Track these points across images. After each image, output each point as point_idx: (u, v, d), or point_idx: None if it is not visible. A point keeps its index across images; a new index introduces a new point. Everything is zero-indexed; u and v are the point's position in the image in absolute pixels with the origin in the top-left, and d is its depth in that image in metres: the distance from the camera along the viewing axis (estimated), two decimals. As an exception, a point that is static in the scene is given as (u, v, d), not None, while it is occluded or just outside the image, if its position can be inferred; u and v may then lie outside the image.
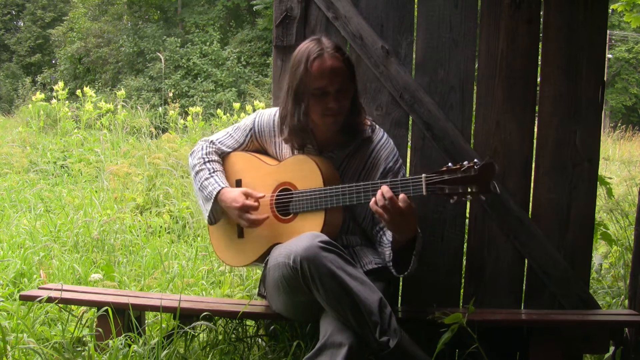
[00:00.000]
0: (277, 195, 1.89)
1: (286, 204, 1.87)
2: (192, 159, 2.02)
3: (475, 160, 1.60)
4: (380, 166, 1.93)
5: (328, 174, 1.84)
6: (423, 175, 1.65)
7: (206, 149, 2.01)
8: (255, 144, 2.02)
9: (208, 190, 1.92)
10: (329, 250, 1.63)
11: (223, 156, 2.04)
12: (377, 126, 2.00)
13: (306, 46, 1.83)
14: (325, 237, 1.67)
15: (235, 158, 2.02)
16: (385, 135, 1.99)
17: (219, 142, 2.03)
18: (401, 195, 1.65)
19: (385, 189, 1.66)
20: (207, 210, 1.93)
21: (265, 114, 2.00)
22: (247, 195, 1.87)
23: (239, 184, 1.99)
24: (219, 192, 1.90)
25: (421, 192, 1.65)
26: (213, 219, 1.96)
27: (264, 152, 2.02)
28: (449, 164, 1.63)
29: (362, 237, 1.97)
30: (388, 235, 1.86)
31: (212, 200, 1.91)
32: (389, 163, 1.93)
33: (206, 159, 1.99)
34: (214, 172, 1.96)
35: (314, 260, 1.61)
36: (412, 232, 1.73)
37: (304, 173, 1.85)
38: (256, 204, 1.86)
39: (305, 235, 1.69)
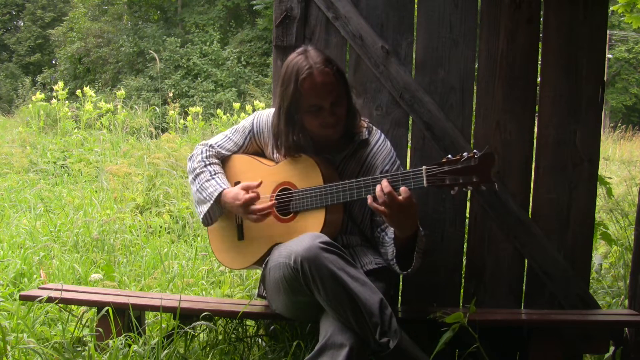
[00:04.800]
0: (276, 195, 1.89)
1: (286, 204, 1.87)
2: (192, 162, 2.00)
3: (475, 150, 1.60)
4: (377, 169, 1.92)
5: (328, 172, 1.84)
6: (423, 167, 1.64)
7: (206, 152, 2.00)
8: (254, 145, 2.01)
9: (208, 191, 1.91)
10: (330, 251, 1.63)
11: (222, 159, 2.03)
12: (374, 128, 1.99)
13: (294, 62, 1.79)
14: (326, 238, 1.67)
15: (234, 161, 2.02)
16: (382, 137, 1.98)
17: (218, 146, 2.02)
18: (402, 188, 1.64)
19: (384, 184, 1.65)
20: (202, 212, 1.92)
21: (263, 114, 2.00)
22: (246, 190, 1.85)
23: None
24: (220, 193, 1.89)
25: (422, 184, 1.64)
26: (209, 220, 1.95)
27: (262, 154, 2.01)
28: (449, 156, 1.63)
29: (362, 237, 1.97)
30: (390, 234, 1.85)
31: (210, 202, 1.89)
32: (385, 166, 1.93)
33: (207, 162, 1.98)
34: (215, 174, 1.95)
35: (314, 261, 1.60)
36: (413, 228, 1.72)
37: (304, 172, 1.84)
38: (255, 194, 1.84)
39: (306, 235, 1.69)
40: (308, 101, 1.78)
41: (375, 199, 1.68)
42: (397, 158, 1.97)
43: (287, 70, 1.80)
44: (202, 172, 1.96)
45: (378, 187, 1.66)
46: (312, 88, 1.76)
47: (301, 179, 1.85)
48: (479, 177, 1.59)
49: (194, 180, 1.97)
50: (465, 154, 1.61)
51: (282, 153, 1.88)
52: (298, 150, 1.85)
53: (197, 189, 1.94)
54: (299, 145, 1.84)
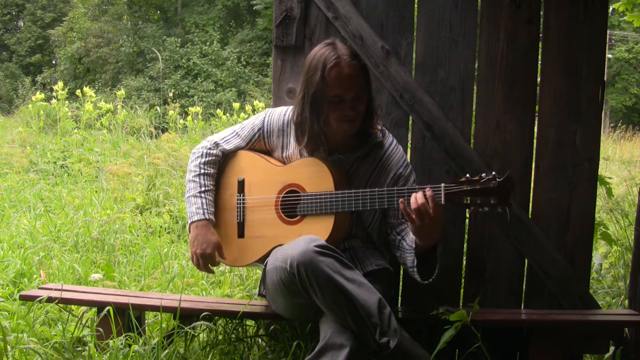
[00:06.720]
0: (283, 196, 1.88)
1: (293, 206, 1.86)
2: (191, 161, 2.00)
3: (494, 172, 1.62)
4: (391, 171, 1.92)
5: (339, 178, 1.83)
6: (442, 184, 1.66)
7: (206, 156, 1.98)
8: (261, 144, 1.99)
9: (191, 210, 1.93)
10: (325, 254, 1.63)
11: (227, 154, 2.01)
12: (387, 131, 1.99)
13: (321, 52, 1.80)
14: (321, 241, 1.66)
15: (240, 156, 2.00)
16: (395, 141, 1.98)
17: (223, 141, 2.01)
18: (429, 192, 1.64)
19: (419, 194, 1.65)
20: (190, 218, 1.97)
21: (275, 113, 1.99)
22: (219, 250, 1.91)
23: (241, 183, 1.97)
24: (198, 221, 1.91)
25: (440, 201, 1.65)
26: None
27: (269, 154, 2.00)
28: (467, 175, 1.64)
29: (363, 240, 1.96)
30: (409, 241, 1.84)
31: (188, 222, 1.94)
32: (399, 168, 1.92)
33: (202, 170, 1.97)
34: (204, 191, 1.95)
35: (310, 265, 1.60)
36: (436, 238, 1.73)
37: (314, 175, 1.83)
38: (218, 262, 1.93)
39: (301, 239, 1.68)
40: (332, 91, 1.77)
41: (410, 205, 1.67)
42: (409, 162, 1.98)
43: (313, 59, 1.80)
44: (193, 180, 1.97)
45: (413, 196, 1.66)
46: (338, 78, 1.76)
47: (311, 183, 1.83)
48: (497, 200, 1.61)
49: (187, 183, 1.99)
50: (484, 175, 1.63)
51: (303, 142, 1.85)
52: (318, 144, 1.84)
53: (187, 198, 1.97)
54: (319, 139, 1.83)
